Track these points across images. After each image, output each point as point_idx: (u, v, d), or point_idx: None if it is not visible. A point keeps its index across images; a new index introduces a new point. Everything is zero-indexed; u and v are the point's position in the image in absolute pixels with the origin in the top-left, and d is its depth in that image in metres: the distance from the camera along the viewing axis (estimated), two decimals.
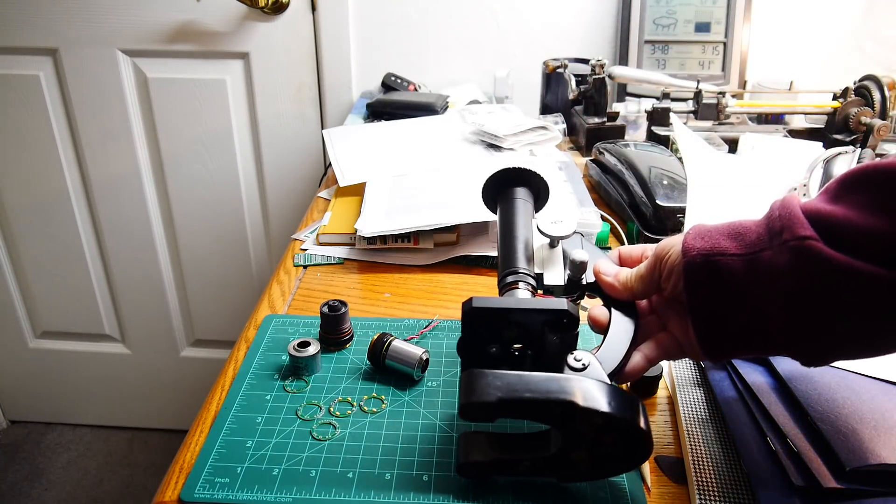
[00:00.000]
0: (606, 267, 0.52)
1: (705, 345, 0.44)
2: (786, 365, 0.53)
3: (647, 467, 0.49)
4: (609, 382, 0.44)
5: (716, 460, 0.48)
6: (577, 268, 0.51)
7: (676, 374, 0.58)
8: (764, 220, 0.42)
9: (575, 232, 0.54)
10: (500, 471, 0.47)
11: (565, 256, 0.55)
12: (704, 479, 0.47)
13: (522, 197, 0.58)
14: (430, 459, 0.50)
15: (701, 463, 0.48)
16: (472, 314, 0.47)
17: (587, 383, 0.42)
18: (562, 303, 0.47)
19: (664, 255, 0.46)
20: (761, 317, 0.41)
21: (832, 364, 0.54)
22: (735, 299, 0.42)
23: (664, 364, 0.59)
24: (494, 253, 0.77)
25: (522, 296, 0.50)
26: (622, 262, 0.54)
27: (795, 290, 0.39)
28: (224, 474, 0.48)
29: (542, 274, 0.53)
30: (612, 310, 0.50)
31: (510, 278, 0.51)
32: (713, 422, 0.52)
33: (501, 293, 0.51)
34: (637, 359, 0.48)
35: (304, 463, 0.49)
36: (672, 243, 0.46)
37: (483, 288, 0.74)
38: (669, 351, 0.49)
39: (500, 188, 0.60)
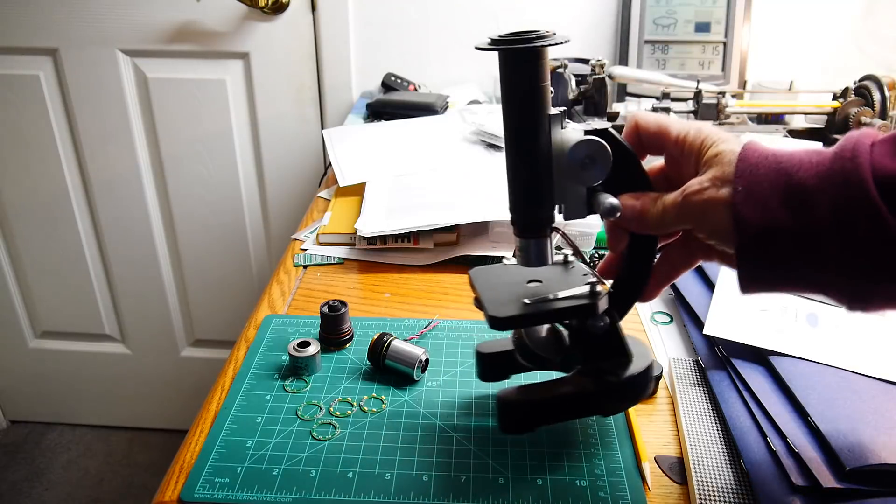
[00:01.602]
0: (627, 198, 0.45)
1: (745, 289, 0.42)
2: (786, 365, 0.53)
3: (647, 467, 0.49)
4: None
5: (716, 460, 0.48)
6: (609, 212, 0.44)
7: (676, 374, 0.58)
8: (830, 186, 0.37)
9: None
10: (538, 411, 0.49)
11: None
12: (704, 479, 0.47)
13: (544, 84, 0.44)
14: (430, 459, 0.50)
15: (701, 463, 0.48)
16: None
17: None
18: (579, 297, 0.46)
19: (695, 195, 0.41)
20: (814, 280, 0.40)
21: (831, 364, 0.54)
22: (790, 270, 0.40)
23: (664, 364, 0.59)
24: (495, 253, 0.77)
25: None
26: (640, 137, 0.46)
27: (860, 270, 0.37)
28: (224, 474, 0.48)
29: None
30: (630, 245, 0.48)
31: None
32: (713, 422, 0.52)
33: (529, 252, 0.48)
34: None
35: (304, 463, 0.49)
36: (703, 183, 0.41)
37: None
38: (689, 262, 0.48)
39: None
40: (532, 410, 0.48)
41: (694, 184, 0.42)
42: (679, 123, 0.44)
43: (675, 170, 0.45)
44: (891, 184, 0.36)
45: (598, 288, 0.47)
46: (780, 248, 0.39)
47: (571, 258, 0.52)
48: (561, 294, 0.47)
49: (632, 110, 1.15)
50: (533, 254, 0.47)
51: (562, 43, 0.42)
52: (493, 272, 0.52)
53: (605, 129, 0.43)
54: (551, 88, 0.44)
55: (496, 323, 0.46)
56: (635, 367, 0.49)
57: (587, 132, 0.43)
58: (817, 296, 0.41)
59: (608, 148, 0.43)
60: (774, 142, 1.00)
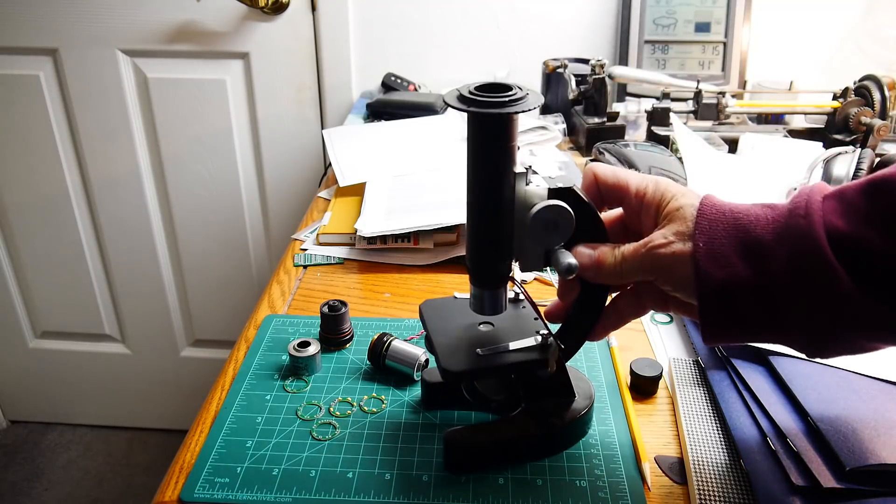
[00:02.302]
0: (584, 248, 0.46)
1: (707, 341, 0.43)
2: (786, 365, 0.53)
3: (647, 467, 0.49)
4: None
5: (716, 460, 0.48)
6: (567, 271, 0.44)
7: (676, 374, 0.58)
8: (786, 242, 0.38)
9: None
10: (487, 454, 0.49)
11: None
12: (704, 479, 0.47)
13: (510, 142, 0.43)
14: (430, 459, 0.50)
15: (701, 463, 0.48)
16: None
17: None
18: (531, 349, 0.47)
19: (660, 248, 0.42)
20: (772, 331, 0.41)
21: (831, 364, 0.54)
22: (750, 322, 0.41)
23: (664, 364, 0.59)
24: None
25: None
26: (599, 189, 0.46)
27: (816, 321, 0.39)
28: (224, 474, 0.48)
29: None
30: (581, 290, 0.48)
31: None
32: (713, 422, 0.52)
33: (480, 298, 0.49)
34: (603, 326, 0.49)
35: (304, 463, 0.49)
36: (667, 237, 0.42)
37: None
38: (639, 312, 0.49)
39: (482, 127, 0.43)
40: (478, 453, 0.49)
41: (658, 237, 0.42)
42: (637, 177, 0.45)
43: (634, 221, 0.46)
44: (841, 241, 0.37)
45: (549, 340, 0.48)
46: (741, 300, 0.40)
47: (522, 297, 0.53)
48: (513, 346, 0.48)
49: (632, 110, 1.15)
50: (487, 304, 0.48)
51: (534, 108, 0.42)
52: (444, 307, 0.52)
53: (570, 188, 0.44)
54: (518, 145, 0.44)
55: (449, 376, 0.47)
56: (577, 407, 0.51)
57: (551, 190, 0.43)
58: (777, 345, 0.42)
59: (571, 213, 0.43)
60: (774, 141, 1.00)
